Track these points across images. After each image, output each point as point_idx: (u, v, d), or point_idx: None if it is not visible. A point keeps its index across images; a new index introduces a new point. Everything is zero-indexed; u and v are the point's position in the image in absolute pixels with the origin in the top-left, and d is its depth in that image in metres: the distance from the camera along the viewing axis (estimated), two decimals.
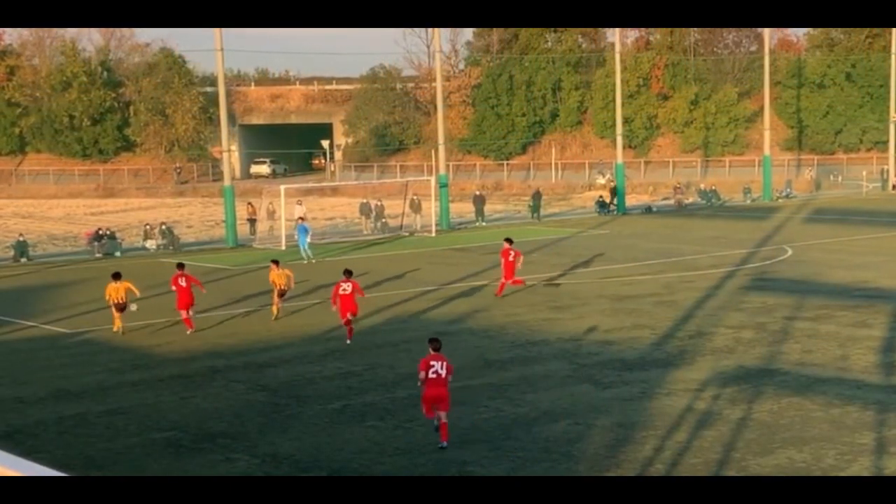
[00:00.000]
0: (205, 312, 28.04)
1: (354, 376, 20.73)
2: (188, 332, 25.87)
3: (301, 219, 43.37)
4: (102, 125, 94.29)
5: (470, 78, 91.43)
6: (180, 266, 27.54)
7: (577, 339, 23.82)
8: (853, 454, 15.05)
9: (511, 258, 29.85)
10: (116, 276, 26.84)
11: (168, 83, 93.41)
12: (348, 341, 24.05)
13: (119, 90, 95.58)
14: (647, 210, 59.89)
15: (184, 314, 26.19)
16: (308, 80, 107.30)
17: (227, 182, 48.39)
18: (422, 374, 15.90)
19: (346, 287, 24.12)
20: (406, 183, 56.47)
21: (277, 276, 27.51)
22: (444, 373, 15.83)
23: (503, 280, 30.10)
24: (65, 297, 32.15)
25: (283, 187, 48.44)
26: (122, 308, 26.36)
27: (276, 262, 28.24)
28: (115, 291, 26.32)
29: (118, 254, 44.17)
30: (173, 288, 26.59)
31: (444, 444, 15.92)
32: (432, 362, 15.93)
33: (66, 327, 27.32)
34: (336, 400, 18.93)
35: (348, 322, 24.20)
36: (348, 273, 24.83)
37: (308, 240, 40.96)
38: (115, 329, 26.28)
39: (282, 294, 27.82)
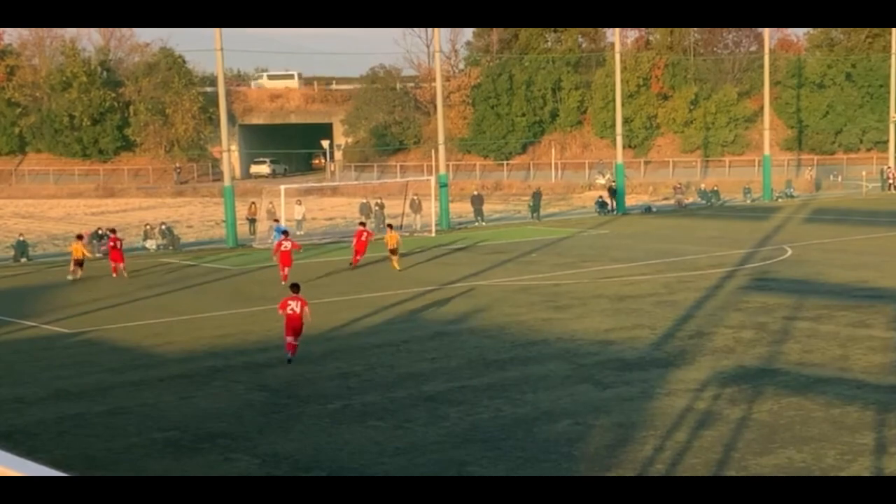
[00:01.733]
0: (208, 312, 28.03)
1: (354, 376, 20.72)
2: (113, 276, 35.20)
3: (276, 220, 43.68)
4: (102, 125, 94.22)
5: (470, 78, 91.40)
6: (112, 231, 38.00)
7: (577, 339, 23.80)
8: (853, 454, 15.04)
9: (364, 238, 35.43)
10: (79, 237, 37.27)
11: (168, 83, 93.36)
12: (283, 283, 30.16)
13: (119, 90, 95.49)
14: (647, 210, 59.87)
15: (120, 266, 35.61)
16: (308, 80, 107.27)
17: (227, 182, 48.35)
18: (280, 312, 21.29)
19: (287, 245, 31.94)
20: (406, 183, 56.43)
21: (390, 238, 34.99)
22: (298, 309, 20.93)
23: (357, 256, 35.75)
24: (65, 297, 32.14)
25: (283, 187, 48.39)
26: (80, 263, 35.16)
27: (390, 226, 36.43)
28: (77, 250, 35.40)
29: None
30: (108, 244, 36.43)
31: (291, 357, 21.17)
32: (290, 302, 21.07)
33: (66, 327, 27.30)
34: (336, 400, 18.91)
35: (284, 273, 31.37)
36: (285, 233, 33.29)
37: None
38: (77, 276, 34.93)
39: (395, 252, 34.92)
